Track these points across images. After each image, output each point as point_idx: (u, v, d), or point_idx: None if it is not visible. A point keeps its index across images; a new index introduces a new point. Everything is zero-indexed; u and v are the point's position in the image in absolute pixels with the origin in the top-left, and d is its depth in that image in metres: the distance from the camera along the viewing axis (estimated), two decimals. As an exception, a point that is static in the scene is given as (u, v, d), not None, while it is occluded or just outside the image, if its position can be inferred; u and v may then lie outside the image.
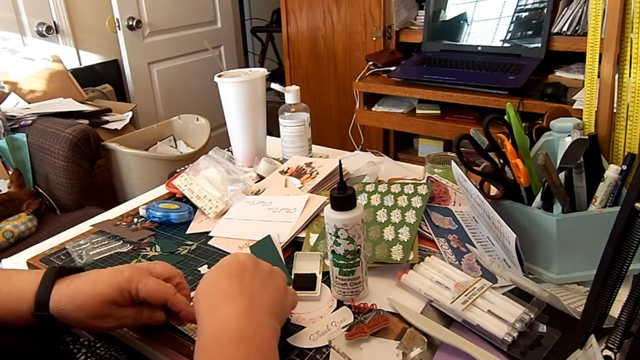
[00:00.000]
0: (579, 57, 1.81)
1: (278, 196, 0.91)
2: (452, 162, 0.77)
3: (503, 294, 0.63)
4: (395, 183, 0.88)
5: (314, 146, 1.15)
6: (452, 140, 0.71)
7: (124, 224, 0.91)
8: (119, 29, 2.64)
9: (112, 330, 0.61)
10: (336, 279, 0.65)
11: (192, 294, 0.58)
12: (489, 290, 0.63)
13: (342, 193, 0.61)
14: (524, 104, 1.68)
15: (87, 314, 0.55)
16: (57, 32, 2.50)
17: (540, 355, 0.55)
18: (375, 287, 0.69)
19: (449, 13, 2.06)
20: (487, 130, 0.70)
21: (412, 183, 0.87)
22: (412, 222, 0.78)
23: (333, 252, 0.64)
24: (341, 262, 0.63)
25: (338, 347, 0.57)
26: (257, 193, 0.95)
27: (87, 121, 2.05)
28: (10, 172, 1.80)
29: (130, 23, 2.66)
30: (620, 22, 0.69)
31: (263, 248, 0.78)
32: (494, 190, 0.76)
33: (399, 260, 0.71)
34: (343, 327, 0.61)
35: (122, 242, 0.84)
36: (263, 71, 1.07)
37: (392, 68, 2.06)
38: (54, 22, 2.48)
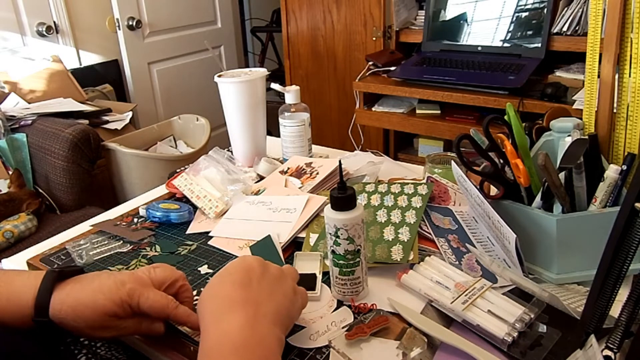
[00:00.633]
0: (579, 57, 1.81)
1: (278, 196, 0.91)
2: (452, 162, 0.77)
3: (503, 294, 0.63)
4: (395, 183, 0.88)
5: (314, 146, 1.15)
6: (452, 140, 0.71)
7: (124, 224, 0.91)
8: (119, 29, 2.64)
9: (112, 338, 0.60)
10: (336, 279, 0.65)
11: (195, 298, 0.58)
12: (489, 290, 0.63)
13: (342, 193, 0.61)
14: (524, 104, 1.68)
15: (87, 325, 0.54)
16: (57, 32, 2.50)
17: (540, 355, 0.55)
18: (375, 287, 0.69)
19: (449, 13, 2.06)
20: (487, 130, 0.70)
21: (412, 183, 0.87)
22: (412, 222, 0.78)
23: (333, 252, 0.64)
24: (341, 262, 0.63)
25: (338, 347, 0.58)
26: (257, 193, 0.95)
27: (87, 121, 2.05)
28: (10, 172, 1.80)
29: (130, 23, 2.66)
30: (620, 22, 0.69)
31: (263, 248, 0.78)
32: (494, 190, 0.76)
33: (399, 260, 0.71)
34: (343, 327, 0.61)
35: (122, 242, 0.84)
36: (263, 71, 1.07)
37: (392, 68, 2.06)
38: (54, 22, 2.48)
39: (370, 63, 2.15)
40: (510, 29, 1.89)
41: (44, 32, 2.44)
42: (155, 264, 0.62)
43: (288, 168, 1.02)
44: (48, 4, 2.45)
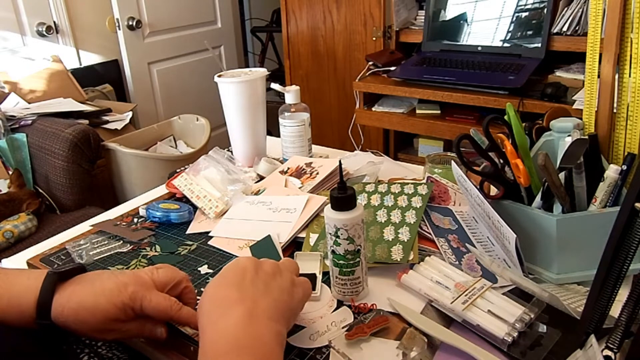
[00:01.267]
0: (579, 57, 1.81)
1: (278, 196, 0.91)
2: (452, 162, 0.77)
3: (503, 294, 0.63)
4: (395, 183, 0.88)
5: (314, 146, 1.15)
6: (452, 140, 0.71)
7: (124, 224, 0.91)
8: (119, 29, 2.64)
9: (114, 340, 0.60)
10: (336, 279, 0.65)
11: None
12: (489, 290, 0.63)
13: (342, 193, 0.61)
14: (524, 104, 1.68)
15: (90, 328, 0.54)
16: (57, 32, 2.50)
17: (540, 355, 0.55)
18: (375, 287, 0.69)
19: (449, 13, 2.06)
20: (487, 130, 0.70)
21: (412, 183, 0.87)
22: (412, 222, 0.78)
23: (333, 252, 0.64)
24: (341, 262, 0.63)
25: (338, 347, 0.57)
26: (257, 193, 0.95)
27: (87, 121, 2.05)
28: (10, 172, 1.80)
29: (130, 23, 2.66)
30: (620, 22, 0.69)
31: (263, 248, 0.78)
32: (494, 190, 0.76)
33: (399, 260, 0.71)
34: (343, 327, 0.61)
35: (122, 242, 0.84)
36: (263, 71, 1.07)
37: (392, 68, 2.06)
38: (54, 22, 2.48)
39: (370, 63, 2.15)
40: (510, 29, 1.89)
41: (44, 32, 2.44)
42: (159, 264, 0.62)
43: (288, 168, 1.02)
44: (48, 4, 2.45)
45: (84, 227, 0.91)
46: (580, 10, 1.73)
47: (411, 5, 2.20)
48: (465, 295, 0.62)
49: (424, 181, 0.91)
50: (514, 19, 1.88)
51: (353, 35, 2.37)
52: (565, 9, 1.76)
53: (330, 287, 0.68)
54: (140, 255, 0.80)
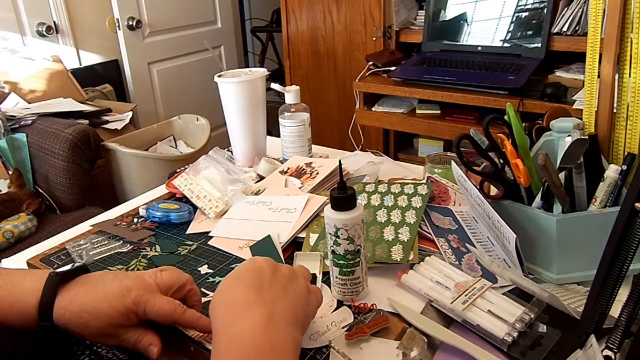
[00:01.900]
0: (579, 57, 1.81)
1: (278, 196, 0.91)
2: (452, 162, 0.77)
3: (503, 294, 0.63)
4: (395, 183, 0.88)
5: (314, 146, 1.15)
6: (452, 140, 0.71)
7: (124, 224, 0.91)
8: (119, 29, 2.64)
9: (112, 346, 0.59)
10: (336, 279, 0.65)
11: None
12: (489, 290, 0.63)
13: (342, 193, 0.61)
14: (524, 104, 1.68)
15: (91, 332, 0.53)
16: (57, 32, 2.50)
17: (540, 355, 0.55)
18: (375, 287, 0.69)
19: (449, 13, 2.06)
20: (487, 130, 0.70)
21: (412, 183, 0.87)
22: (412, 222, 0.78)
23: (333, 252, 0.64)
24: (341, 262, 0.63)
25: (338, 347, 0.57)
26: (257, 193, 0.95)
27: (87, 121, 2.05)
28: (10, 172, 1.80)
29: (130, 23, 2.66)
30: (620, 22, 0.69)
31: (263, 248, 0.78)
32: (494, 190, 0.76)
33: (399, 260, 0.71)
34: (343, 327, 0.61)
35: (122, 242, 0.84)
36: (263, 71, 1.07)
37: (392, 68, 2.06)
38: (54, 22, 2.48)
39: (370, 63, 2.15)
40: (510, 29, 1.89)
41: (44, 32, 2.44)
42: (163, 266, 0.60)
43: (288, 168, 1.02)
44: (48, 4, 2.45)
45: (84, 227, 0.91)
46: (580, 10, 1.73)
47: (411, 5, 2.20)
48: (465, 295, 0.62)
49: (424, 181, 0.91)
50: (514, 19, 1.88)
51: (353, 35, 2.37)
52: (565, 9, 1.76)
53: (330, 287, 0.68)
54: (140, 255, 0.80)
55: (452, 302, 0.61)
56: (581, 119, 0.76)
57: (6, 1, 2.31)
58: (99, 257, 0.80)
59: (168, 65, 2.93)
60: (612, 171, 0.66)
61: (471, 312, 0.60)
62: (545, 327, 0.59)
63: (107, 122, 2.20)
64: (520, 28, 1.87)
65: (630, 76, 0.69)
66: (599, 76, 0.73)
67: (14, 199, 1.70)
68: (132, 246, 0.83)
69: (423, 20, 2.12)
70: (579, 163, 0.65)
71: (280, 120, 1.08)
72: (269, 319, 0.48)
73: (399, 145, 2.37)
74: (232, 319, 0.48)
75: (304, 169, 1.00)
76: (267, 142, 1.16)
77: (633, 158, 0.67)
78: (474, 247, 0.75)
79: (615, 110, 0.73)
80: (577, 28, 1.75)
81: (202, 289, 0.71)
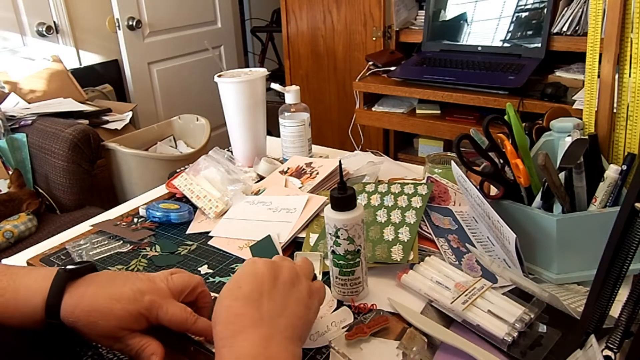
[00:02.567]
0: (579, 57, 1.81)
1: (278, 196, 0.91)
2: (452, 162, 0.77)
3: (503, 294, 0.63)
4: (395, 183, 0.88)
5: (314, 146, 1.15)
6: (452, 140, 0.71)
7: (124, 224, 0.91)
8: (119, 29, 2.64)
9: (116, 350, 0.57)
10: (336, 279, 0.65)
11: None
12: (489, 290, 0.63)
13: (342, 193, 0.61)
14: (524, 104, 1.68)
15: (98, 332, 0.52)
16: (57, 32, 2.50)
17: (540, 355, 0.55)
18: (375, 287, 0.69)
19: (449, 13, 2.06)
20: (487, 130, 0.70)
21: (412, 183, 0.87)
22: (412, 222, 0.78)
23: (333, 252, 0.64)
24: (341, 262, 0.63)
25: (338, 347, 0.58)
26: (257, 193, 0.95)
27: (87, 121, 2.05)
28: (10, 172, 1.80)
29: (130, 23, 2.66)
30: (620, 22, 0.69)
31: (263, 248, 0.78)
32: (494, 190, 0.76)
33: (399, 260, 0.71)
34: (343, 327, 0.61)
35: (122, 242, 0.84)
36: (263, 71, 1.07)
37: (392, 68, 2.06)
38: (54, 22, 2.48)
39: (370, 63, 2.15)
40: (510, 29, 1.89)
41: (44, 32, 2.44)
42: (173, 269, 0.60)
43: (288, 168, 1.02)
44: (48, 4, 2.45)
45: (84, 227, 0.91)
46: (580, 10, 1.73)
47: (411, 5, 2.20)
48: (465, 295, 0.62)
49: (424, 181, 0.91)
50: (514, 19, 1.88)
51: (353, 35, 2.37)
52: (565, 9, 1.76)
53: (330, 287, 0.68)
54: (140, 255, 0.80)
55: (452, 302, 0.61)
56: (581, 119, 0.76)
57: (6, 1, 2.31)
58: (99, 257, 0.80)
59: (168, 65, 2.93)
60: (612, 171, 0.66)
61: (471, 312, 0.60)
62: (545, 327, 0.59)
63: (107, 122, 2.20)
64: (520, 28, 1.87)
65: (630, 76, 0.69)
66: (599, 76, 0.73)
67: (14, 199, 1.70)
68: (132, 246, 0.83)
69: (423, 20, 2.12)
70: (579, 163, 0.65)
71: (280, 120, 1.08)
72: (268, 340, 0.47)
73: (399, 145, 2.37)
74: (232, 339, 0.48)
75: (304, 169, 1.00)
76: (267, 142, 1.16)
77: (633, 158, 0.66)
78: (474, 247, 0.75)
79: (615, 110, 0.73)
80: (577, 28, 1.75)
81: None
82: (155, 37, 2.83)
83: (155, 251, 0.81)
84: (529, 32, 1.85)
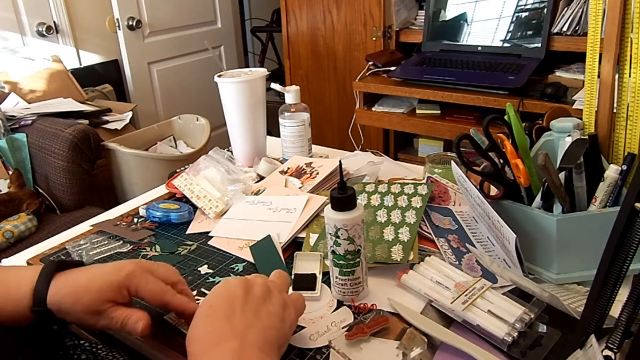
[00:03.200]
0: (579, 57, 1.81)
1: (278, 196, 0.91)
2: (452, 162, 0.77)
3: (503, 294, 0.63)
4: (395, 183, 0.88)
5: (314, 146, 1.15)
6: (452, 140, 0.71)
7: (124, 224, 0.91)
8: (119, 29, 2.64)
9: (102, 329, 0.58)
10: (336, 279, 0.65)
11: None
12: (489, 290, 0.63)
13: (342, 193, 0.61)
14: (524, 104, 1.68)
15: (84, 308, 0.54)
16: (57, 32, 2.50)
17: (540, 355, 0.55)
18: (375, 287, 0.69)
19: (449, 13, 2.06)
20: (487, 130, 0.70)
21: (412, 183, 0.87)
22: (412, 222, 0.78)
23: (333, 252, 0.64)
24: (341, 262, 0.63)
25: (338, 347, 0.58)
26: (257, 193, 0.95)
27: (87, 121, 2.05)
28: (10, 172, 1.80)
29: (130, 23, 2.66)
30: (620, 22, 0.69)
31: (263, 248, 0.78)
32: (494, 190, 0.76)
33: (399, 260, 0.71)
34: (343, 327, 0.61)
35: (122, 242, 0.84)
36: (263, 71, 1.07)
37: (392, 68, 2.06)
38: (54, 22, 2.48)
39: (370, 63, 2.15)
40: (510, 29, 1.89)
41: (44, 32, 2.44)
42: (160, 262, 0.61)
43: (288, 168, 1.02)
44: (48, 4, 2.45)
45: (84, 227, 0.91)
46: (580, 10, 1.73)
47: (411, 5, 2.20)
48: (465, 295, 0.62)
49: (424, 181, 0.91)
50: (514, 19, 1.88)
51: (353, 35, 2.37)
52: (565, 9, 1.76)
53: (330, 287, 0.68)
54: (140, 255, 0.80)
55: (452, 302, 0.61)
56: (581, 119, 0.75)
57: (6, 1, 2.31)
58: (99, 257, 0.80)
59: (168, 65, 2.93)
60: (612, 171, 0.66)
61: (471, 312, 0.60)
62: (545, 327, 0.59)
63: (107, 122, 2.20)
64: (520, 28, 1.87)
65: (630, 76, 0.69)
66: (599, 76, 0.73)
67: (14, 199, 1.70)
68: (132, 246, 0.83)
69: (423, 20, 2.12)
70: (579, 163, 0.65)
71: (280, 120, 1.08)
72: (240, 353, 0.47)
73: (399, 145, 2.37)
74: (204, 355, 0.47)
75: (304, 169, 1.00)
76: (267, 142, 1.16)
77: (633, 158, 0.66)
78: (474, 247, 0.75)
79: (615, 110, 0.73)
80: (577, 28, 1.75)
81: (202, 289, 0.71)
82: (155, 37, 2.83)
83: (155, 251, 0.81)
84: (529, 32, 1.85)
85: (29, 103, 2.10)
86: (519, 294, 0.64)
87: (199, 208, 0.92)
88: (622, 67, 0.70)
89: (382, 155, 1.14)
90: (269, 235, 0.79)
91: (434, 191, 0.87)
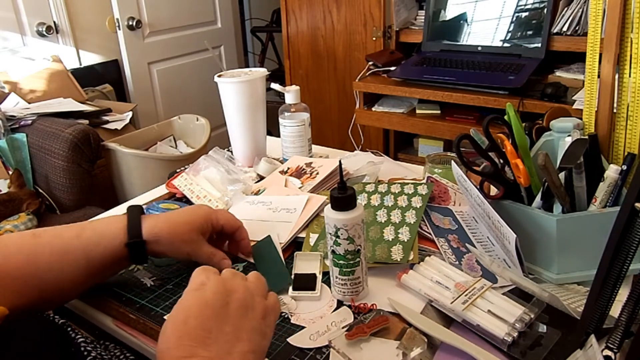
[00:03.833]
0: (579, 57, 1.81)
1: (278, 196, 0.91)
2: (452, 162, 0.77)
3: (503, 294, 0.63)
4: (395, 183, 0.88)
5: (314, 146, 1.15)
6: (452, 140, 0.71)
7: (124, 224, 0.91)
8: (119, 29, 2.64)
9: (193, 256, 0.68)
10: (336, 279, 0.65)
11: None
12: (489, 290, 0.63)
13: (342, 193, 0.61)
14: (524, 104, 1.68)
15: (180, 237, 0.66)
16: (57, 32, 2.50)
17: (540, 355, 0.55)
18: (375, 287, 0.69)
19: (449, 13, 2.06)
20: (487, 130, 0.70)
21: (412, 183, 0.87)
22: (412, 222, 0.78)
23: (333, 252, 0.64)
24: (341, 262, 0.63)
25: (338, 347, 0.58)
26: (257, 193, 0.95)
27: (87, 121, 2.05)
28: (10, 172, 1.80)
29: (130, 23, 2.66)
30: (620, 22, 0.69)
31: (263, 248, 0.78)
32: (494, 190, 0.76)
33: (399, 260, 0.71)
34: (343, 327, 0.61)
35: (122, 242, 0.84)
36: (263, 71, 1.07)
37: (392, 68, 2.06)
38: (54, 22, 2.48)
39: (370, 63, 2.15)
40: (510, 29, 1.89)
41: (44, 32, 2.43)
42: (218, 209, 0.74)
43: (288, 168, 1.02)
44: (48, 4, 2.45)
45: (84, 227, 0.91)
46: (580, 10, 1.73)
47: (411, 5, 2.20)
48: (465, 295, 0.62)
49: (424, 181, 0.91)
50: (514, 19, 1.88)
51: (353, 35, 2.37)
52: (565, 9, 1.76)
53: (330, 287, 0.68)
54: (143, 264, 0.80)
55: (452, 302, 0.61)
56: (581, 119, 0.76)
57: (6, 1, 2.31)
58: (99, 257, 0.80)
59: (168, 65, 2.92)
60: (612, 171, 0.66)
61: (471, 312, 0.60)
62: (545, 327, 0.59)
63: (107, 122, 2.20)
64: (520, 28, 1.87)
65: (630, 76, 0.69)
66: (599, 76, 0.73)
67: (14, 199, 1.70)
68: (132, 246, 0.83)
69: (423, 20, 2.12)
70: (579, 163, 0.65)
71: (280, 120, 1.08)
72: None
73: (399, 145, 2.37)
74: None
75: (304, 169, 1.00)
76: (267, 142, 1.16)
77: (633, 158, 0.67)
78: (474, 247, 0.75)
79: (615, 110, 0.73)
80: (577, 28, 1.75)
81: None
82: (155, 37, 2.83)
83: (155, 251, 0.81)
84: (529, 32, 1.85)
85: (29, 103, 2.10)
86: (519, 294, 0.64)
87: (199, 208, 0.92)
88: (622, 67, 0.70)
89: (382, 155, 1.14)
90: (269, 236, 0.79)
91: (434, 191, 0.87)
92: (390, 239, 0.75)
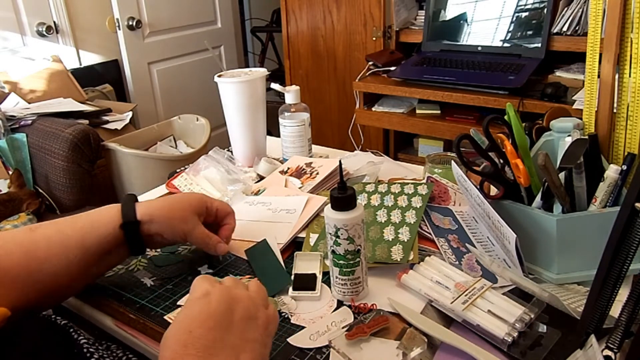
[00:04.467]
0: (579, 57, 1.81)
1: (278, 196, 0.90)
2: (452, 162, 0.77)
3: (503, 294, 0.63)
4: (395, 183, 0.88)
5: (314, 146, 1.15)
6: (452, 140, 0.71)
7: (124, 224, 0.91)
8: (119, 29, 2.64)
9: (189, 236, 0.69)
10: (336, 279, 0.65)
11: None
12: (489, 290, 0.63)
13: (342, 193, 0.61)
14: (524, 104, 1.68)
15: (179, 215, 0.67)
16: (57, 32, 2.50)
17: (540, 355, 0.55)
18: (375, 287, 0.69)
19: (449, 13, 2.06)
20: (487, 130, 0.70)
21: (412, 183, 0.87)
22: (412, 222, 0.78)
23: (333, 252, 0.64)
24: (341, 262, 0.63)
25: (338, 347, 0.58)
26: (257, 193, 0.95)
27: (87, 121, 2.05)
28: (10, 172, 1.80)
29: (130, 23, 2.66)
30: (620, 22, 0.69)
31: (259, 252, 0.77)
32: (494, 190, 0.76)
33: (399, 260, 0.71)
34: (343, 327, 0.61)
35: (122, 242, 0.84)
36: (263, 71, 1.07)
37: (392, 68, 2.06)
38: (54, 22, 2.48)
39: (370, 63, 2.15)
40: (510, 29, 1.89)
41: (44, 32, 2.43)
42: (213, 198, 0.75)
43: (288, 168, 1.02)
44: (48, 4, 2.45)
45: (84, 227, 0.91)
46: (580, 10, 1.73)
47: (411, 5, 2.20)
48: (465, 295, 0.62)
49: (424, 181, 0.91)
50: (514, 19, 1.88)
51: (353, 35, 2.37)
52: (565, 9, 1.76)
53: (330, 287, 0.68)
54: (140, 255, 0.80)
55: (452, 302, 0.61)
56: (581, 119, 0.76)
57: (6, 1, 2.31)
58: (99, 257, 0.80)
59: (168, 65, 2.92)
60: (612, 171, 0.66)
61: (471, 312, 0.60)
62: (545, 327, 0.59)
63: (107, 122, 2.20)
64: (520, 28, 1.87)
65: (630, 76, 0.69)
66: (599, 76, 0.73)
67: (14, 199, 1.70)
68: (132, 246, 0.83)
69: (423, 20, 2.12)
70: (579, 163, 0.65)
71: (280, 120, 1.08)
72: None
73: (399, 145, 2.37)
74: None
75: (304, 169, 1.00)
76: (267, 142, 1.16)
77: (633, 158, 0.67)
78: (474, 247, 0.75)
79: (615, 110, 0.73)
80: (577, 28, 1.75)
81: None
82: (155, 37, 2.83)
83: (155, 251, 0.81)
84: (529, 32, 1.85)
85: (29, 103, 2.10)
86: (519, 294, 0.64)
87: (199, 208, 0.92)
88: (622, 67, 0.70)
89: (382, 155, 1.14)
90: (265, 240, 0.79)
91: (434, 191, 0.87)
92: (390, 239, 0.75)
